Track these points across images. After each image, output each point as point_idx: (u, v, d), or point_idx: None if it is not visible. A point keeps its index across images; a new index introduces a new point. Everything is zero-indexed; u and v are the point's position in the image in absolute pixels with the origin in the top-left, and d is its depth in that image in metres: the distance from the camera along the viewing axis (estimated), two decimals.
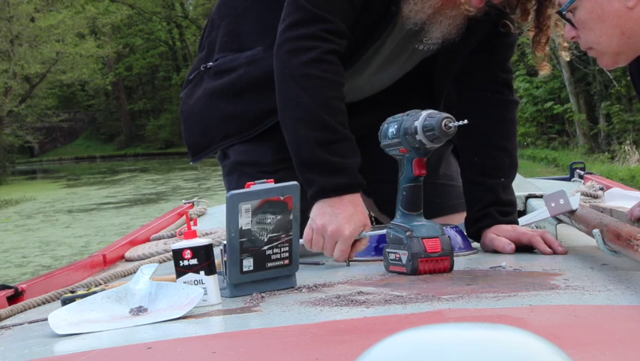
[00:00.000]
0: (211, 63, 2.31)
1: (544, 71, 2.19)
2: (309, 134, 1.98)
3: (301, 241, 2.01)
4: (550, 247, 2.01)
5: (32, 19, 31.80)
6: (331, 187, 1.96)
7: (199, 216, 3.25)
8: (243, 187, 1.68)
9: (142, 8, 43.24)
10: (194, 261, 1.60)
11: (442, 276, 1.78)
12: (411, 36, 2.18)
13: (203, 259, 1.60)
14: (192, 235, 1.63)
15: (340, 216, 1.95)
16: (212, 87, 2.28)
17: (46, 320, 1.51)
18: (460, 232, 2.13)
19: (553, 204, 2.15)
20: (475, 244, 2.16)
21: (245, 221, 1.66)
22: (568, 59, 2.12)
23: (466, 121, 1.75)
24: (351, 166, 1.98)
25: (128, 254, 2.55)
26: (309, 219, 1.97)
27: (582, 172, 3.83)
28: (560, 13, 1.81)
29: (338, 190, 1.96)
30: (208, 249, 1.61)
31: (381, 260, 1.90)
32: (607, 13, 1.74)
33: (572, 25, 1.80)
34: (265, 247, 1.70)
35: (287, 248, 1.72)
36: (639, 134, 17.52)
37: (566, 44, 2.07)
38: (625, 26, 1.74)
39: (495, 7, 2.07)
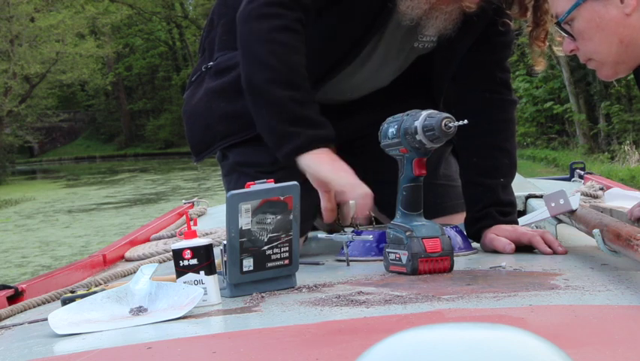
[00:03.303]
0: (211, 63, 2.31)
1: (540, 66, 2.19)
2: (283, 93, 1.98)
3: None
4: (550, 247, 2.01)
5: (32, 19, 31.79)
6: (318, 137, 1.96)
7: (199, 216, 3.25)
8: (243, 187, 1.68)
9: (142, 8, 43.22)
10: (194, 261, 1.60)
11: (442, 276, 1.78)
12: (407, 33, 2.19)
13: (203, 259, 1.60)
14: (192, 235, 1.63)
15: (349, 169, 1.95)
16: (213, 87, 2.28)
17: (46, 320, 1.51)
18: (460, 232, 2.13)
19: (553, 204, 2.15)
20: (475, 244, 2.16)
21: (245, 221, 1.66)
22: (562, 54, 2.12)
23: (466, 121, 1.75)
24: (326, 121, 1.99)
25: (128, 254, 2.55)
26: (320, 181, 1.93)
27: (582, 172, 3.82)
28: (557, 24, 1.81)
29: (324, 140, 1.97)
30: (208, 249, 1.61)
31: (381, 260, 1.91)
32: (605, 21, 1.75)
33: (571, 36, 1.80)
34: (265, 247, 1.70)
35: (287, 248, 1.72)
36: (639, 135, 17.51)
37: (560, 39, 2.08)
38: (623, 34, 1.75)
39: (491, 2, 2.07)
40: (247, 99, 2.06)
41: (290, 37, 2.02)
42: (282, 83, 1.99)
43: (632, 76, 1.89)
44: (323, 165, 1.95)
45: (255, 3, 2.05)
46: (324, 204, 1.96)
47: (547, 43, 2.14)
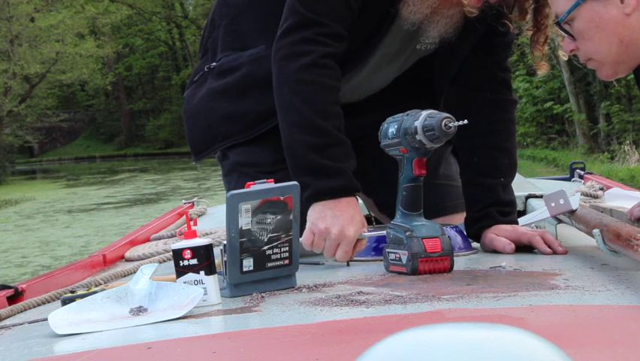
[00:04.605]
0: (214, 63, 2.31)
1: (542, 70, 2.20)
2: (303, 139, 1.98)
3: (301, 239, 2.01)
4: (550, 247, 2.01)
5: (32, 19, 31.79)
6: (326, 190, 1.96)
7: (199, 216, 3.25)
8: (243, 187, 1.68)
9: (142, 8, 43.22)
10: (194, 261, 1.60)
11: (442, 276, 1.78)
12: (409, 36, 2.19)
13: (203, 259, 1.60)
14: (192, 235, 1.63)
15: (342, 218, 1.95)
16: (215, 87, 2.28)
17: (46, 320, 1.51)
18: (460, 232, 2.13)
19: (553, 204, 2.15)
20: (475, 244, 2.16)
21: (245, 221, 1.66)
22: (566, 58, 2.12)
23: (466, 121, 1.75)
24: (346, 169, 1.98)
25: (128, 254, 2.55)
26: (308, 222, 1.96)
27: (582, 172, 3.82)
28: (558, 24, 1.81)
29: (333, 193, 1.96)
30: (208, 249, 1.61)
31: (381, 260, 1.91)
32: (605, 22, 1.75)
33: (571, 36, 1.80)
34: (265, 247, 1.70)
35: (287, 248, 1.72)
36: (639, 135, 17.51)
37: (562, 42, 2.08)
38: (623, 34, 1.75)
39: (492, 6, 2.07)
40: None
41: (318, 74, 2.00)
42: (303, 127, 1.98)
43: (632, 76, 1.89)
44: (322, 218, 1.95)
45: (283, 41, 2.03)
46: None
47: (547, 48, 2.14)
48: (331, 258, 1.97)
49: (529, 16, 2.10)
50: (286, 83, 2.01)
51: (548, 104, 20.36)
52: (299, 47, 2.01)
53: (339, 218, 1.94)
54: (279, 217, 1.70)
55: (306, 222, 1.96)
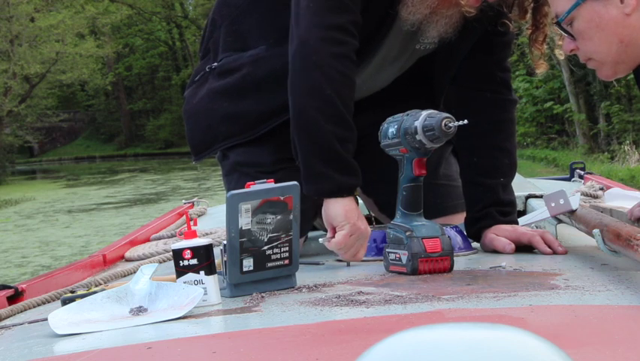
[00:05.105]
0: (215, 64, 2.31)
1: (541, 69, 2.20)
2: (330, 128, 1.96)
3: (321, 240, 2.00)
4: (550, 247, 2.01)
5: (32, 19, 31.78)
6: (347, 186, 1.97)
7: (199, 216, 3.25)
8: (243, 187, 1.68)
9: (142, 8, 43.22)
10: (194, 261, 1.60)
11: (442, 276, 1.78)
12: (409, 37, 2.19)
13: (203, 259, 1.60)
14: (192, 235, 1.64)
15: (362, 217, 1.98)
16: (216, 87, 2.28)
17: (46, 320, 1.51)
18: (460, 232, 2.13)
19: (553, 204, 2.15)
20: (475, 244, 2.16)
21: (245, 221, 1.66)
22: (562, 57, 2.12)
23: (466, 121, 1.75)
24: (358, 168, 2.00)
25: (128, 254, 2.55)
26: (345, 222, 1.94)
27: (582, 172, 3.82)
28: (558, 24, 1.81)
29: (351, 190, 1.98)
30: (208, 249, 1.61)
31: (382, 260, 1.91)
32: (605, 21, 1.75)
33: (571, 36, 1.80)
34: (265, 247, 1.70)
35: (287, 248, 1.72)
36: (639, 135, 17.51)
37: (561, 42, 2.08)
38: (623, 34, 1.75)
39: (492, 6, 2.07)
40: (291, 120, 2.02)
41: (349, 68, 1.99)
42: (330, 115, 1.96)
43: (632, 76, 1.89)
44: (357, 218, 1.95)
45: (317, 19, 1.99)
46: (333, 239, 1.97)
47: (546, 47, 2.14)
48: (351, 259, 1.97)
49: (528, 15, 2.10)
50: (318, 67, 1.98)
51: (548, 104, 20.35)
52: (334, 33, 1.99)
53: (363, 216, 1.97)
54: (279, 217, 1.70)
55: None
